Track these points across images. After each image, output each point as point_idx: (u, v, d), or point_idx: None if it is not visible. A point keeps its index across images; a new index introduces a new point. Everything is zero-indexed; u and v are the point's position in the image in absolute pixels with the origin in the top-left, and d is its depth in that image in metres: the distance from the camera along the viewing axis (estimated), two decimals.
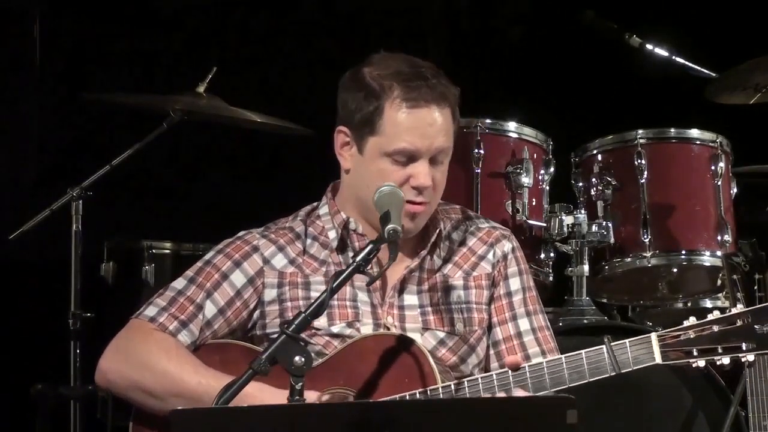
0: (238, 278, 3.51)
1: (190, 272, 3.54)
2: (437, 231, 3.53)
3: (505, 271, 3.58)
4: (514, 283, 3.58)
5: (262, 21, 6.14)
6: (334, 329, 3.45)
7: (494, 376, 3.31)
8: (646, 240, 4.73)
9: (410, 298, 3.51)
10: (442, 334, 3.49)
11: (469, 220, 3.63)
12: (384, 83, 3.39)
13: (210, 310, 3.48)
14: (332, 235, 3.53)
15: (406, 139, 3.37)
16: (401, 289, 3.51)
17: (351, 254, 3.45)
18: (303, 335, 3.35)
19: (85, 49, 5.92)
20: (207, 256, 3.55)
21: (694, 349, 3.23)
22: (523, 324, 3.54)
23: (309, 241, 3.55)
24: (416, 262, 3.52)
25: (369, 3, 6.18)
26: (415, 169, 3.38)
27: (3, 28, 5.79)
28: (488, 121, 4.77)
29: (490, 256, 3.58)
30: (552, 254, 4.76)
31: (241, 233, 3.58)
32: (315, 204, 3.62)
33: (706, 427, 4.46)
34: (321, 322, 3.44)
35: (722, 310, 4.54)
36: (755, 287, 4.10)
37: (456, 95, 3.45)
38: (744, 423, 4.34)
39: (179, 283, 3.52)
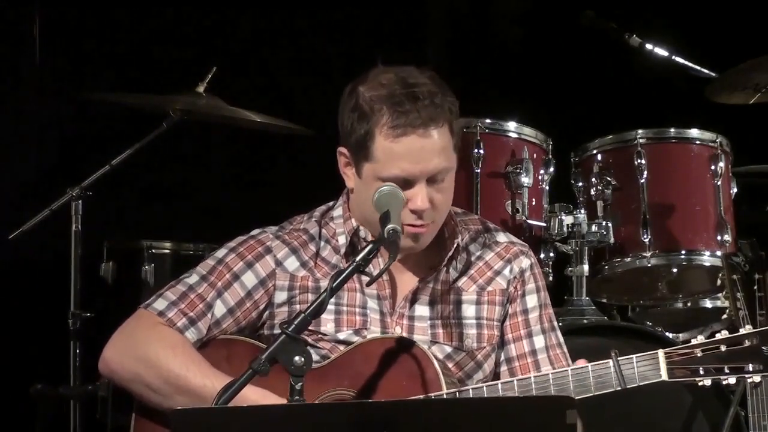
0: (249, 279, 3.49)
1: (202, 269, 3.51)
2: (455, 245, 3.50)
3: (522, 288, 3.55)
4: (531, 301, 3.55)
5: (262, 21, 6.14)
6: (341, 336, 3.44)
7: (499, 386, 3.31)
8: (646, 240, 4.74)
9: (421, 309, 3.49)
10: (449, 349, 3.47)
11: (488, 233, 3.60)
12: (374, 106, 3.34)
13: (219, 309, 3.47)
14: (342, 240, 3.51)
15: (398, 166, 3.32)
16: (413, 300, 3.49)
17: None
18: (310, 340, 3.36)
19: (85, 49, 5.92)
20: (220, 254, 3.53)
21: (701, 368, 3.22)
22: (538, 342, 3.52)
23: (322, 243, 3.53)
24: (431, 274, 3.50)
25: (369, 3, 6.18)
26: (412, 192, 3.34)
27: (3, 28, 5.79)
28: (488, 121, 4.77)
29: (506, 271, 3.55)
30: (552, 254, 4.76)
31: (255, 232, 3.55)
32: (331, 204, 3.59)
33: (705, 427, 4.47)
34: (328, 327, 3.44)
35: (722, 310, 4.56)
36: (755, 287, 4.11)
37: (453, 109, 3.38)
38: (744, 423, 4.34)
39: (191, 278, 3.50)
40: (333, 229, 3.54)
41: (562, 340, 3.57)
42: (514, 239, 3.63)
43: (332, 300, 3.38)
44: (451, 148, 3.38)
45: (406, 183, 3.34)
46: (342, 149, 3.44)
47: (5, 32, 5.80)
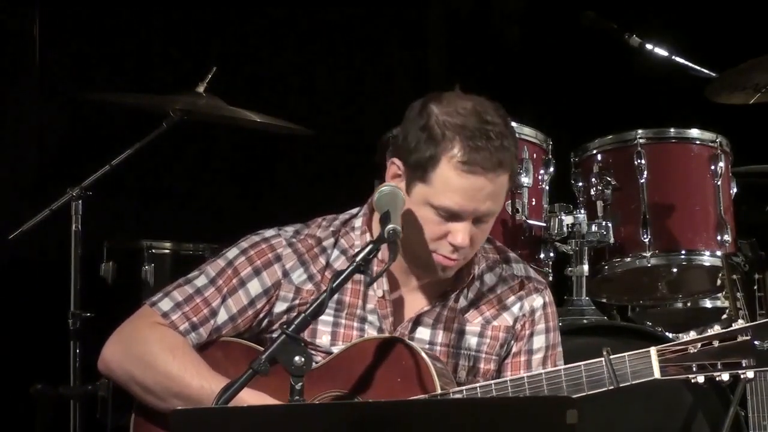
0: (254, 287, 3.45)
1: (212, 270, 3.47)
2: (470, 276, 3.48)
3: (531, 329, 3.52)
4: (539, 342, 3.53)
5: (262, 21, 6.14)
6: (335, 349, 3.42)
7: (492, 386, 3.30)
8: (646, 240, 4.74)
9: (423, 333, 3.46)
10: (444, 363, 3.44)
11: (506, 264, 3.56)
12: (447, 133, 3.29)
13: (222, 316, 3.44)
14: None
15: (453, 199, 3.29)
16: (417, 322, 3.46)
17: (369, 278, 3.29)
18: None
19: (85, 49, 5.92)
20: (231, 255, 3.48)
21: (694, 365, 3.21)
22: None
23: (336, 253, 3.48)
24: (440, 300, 3.47)
25: (369, 3, 6.18)
26: (456, 227, 3.31)
27: (3, 28, 5.79)
28: None
29: (515, 308, 3.52)
30: (552, 254, 4.76)
31: (269, 233, 3.50)
32: (354, 212, 3.54)
33: (705, 427, 4.46)
34: (323, 340, 3.42)
35: (722, 310, 4.55)
36: (755, 287, 4.11)
37: (516, 154, 3.36)
38: (744, 423, 4.34)
39: (200, 280, 3.46)
40: (352, 240, 3.49)
41: None
42: (532, 274, 3.59)
43: (332, 312, 3.39)
44: (505, 192, 3.37)
45: (453, 216, 3.31)
46: (397, 161, 3.38)
47: (5, 32, 5.80)
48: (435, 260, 3.35)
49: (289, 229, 3.52)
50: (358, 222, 3.51)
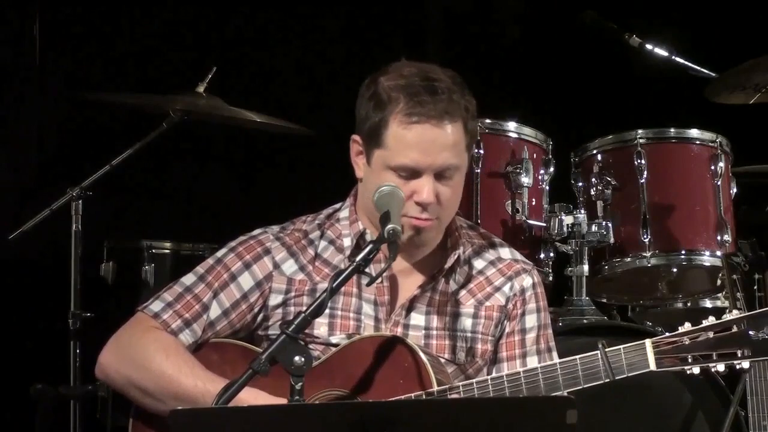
0: (246, 280, 3.49)
1: (200, 269, 3.52)
2: (456, 256, 3.51)
3: (523, 308, 3.54)
4: (531, 321, 3.55)
5: (262, 21, 6.14)
6: (333, 339, 3.44)
7: (489, 381, 3.31)
8: (646, 240, 4.73)
9: (417, 318, 3.49)
10: (441, 360, 3.46)
11: (492, 248, 3.60)
12: (392, 95, 3.36)
13: (215, 310, 3.47)
14: (348, 242, 3.51)
15: (407, 155, 3.34)
16: (410, 308, 3.49)
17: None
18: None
19: (85, 49, 5.92)
20: (219, 254, 3.53)
21: (689, 356, 3.22)
22: (531, 363, 3.49)
23: (323, 244, 3.52)
24: (430, 283, 3.50)
25: (369, 3, 6.18)
26: (418, 184, 3.35)
27: (3, 28, 5.79)
28: (488, 120, 4.77)
29: (506, 288, 3.54)
30: (552, 254, 4.76)
31: (256, 232, 3.55)
32: (338, 205, 3.59)
33: (705, 427, 4.46)
34: (321, 331, 3.44)
35: (722, 310, 4.55)
36: (755, 287, 4.10)
37: (469, 108, 3.40)
38: (744, 423, 4.34)
39: (189, 278, 3.51)
40: (339, 230, 3.53)
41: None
42: (519, 257, 3.62)
43: (329, 303, 3.39)
44: (463, 146, 3.40)
45: (414, 174, 3.35)
46: (355, 137, 3.45)
47: (5, 32, 5.80)
48: (408, 224, 3.36)
49: (275, 227, 3.57)
50: (343, 213, 3.55)
